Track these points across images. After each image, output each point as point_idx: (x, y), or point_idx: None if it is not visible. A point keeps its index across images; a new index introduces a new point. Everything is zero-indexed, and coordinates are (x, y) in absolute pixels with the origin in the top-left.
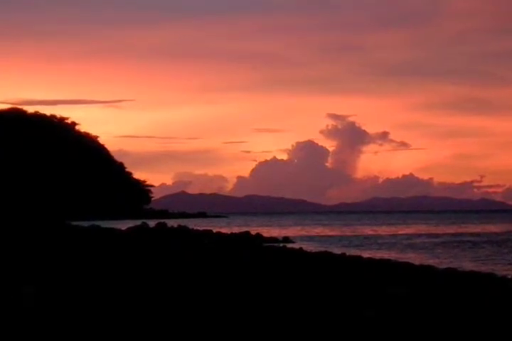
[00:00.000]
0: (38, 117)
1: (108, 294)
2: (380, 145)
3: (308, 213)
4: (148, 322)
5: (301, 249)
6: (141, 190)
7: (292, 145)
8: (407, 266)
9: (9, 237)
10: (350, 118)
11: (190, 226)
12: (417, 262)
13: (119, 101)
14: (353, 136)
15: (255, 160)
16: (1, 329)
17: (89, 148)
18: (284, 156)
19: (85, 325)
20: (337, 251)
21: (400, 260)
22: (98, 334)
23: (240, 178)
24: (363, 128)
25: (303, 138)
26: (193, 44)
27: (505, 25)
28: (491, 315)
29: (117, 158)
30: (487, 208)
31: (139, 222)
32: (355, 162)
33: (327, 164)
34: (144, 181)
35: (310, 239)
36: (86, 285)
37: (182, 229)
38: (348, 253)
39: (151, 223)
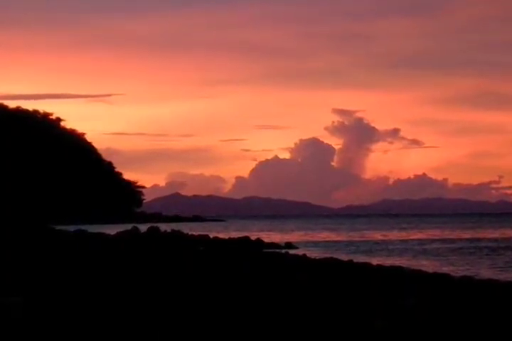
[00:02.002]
0: (20, 113)
1: (92, 306)
2: (391, 143)
3: (313, 216)
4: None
5: (304, 255)
6: (131, 192)
7: (295, 143)
8: (420, 273)
9: None
10: (358, 114)
11: (185, 231)
12: (430, 270)
13: (108, 95)
14: (361, 133)
15: (255, 160)
16: None
17: (75, 146)
18: (287, 155)
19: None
20: (344, 257)
21: (412, 267)
22: None
23: (238, 179)
24: (372, 124)
25: (307, 135)
26: (188, 34)
27: None
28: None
29: (106, 156)
30: (506, 211)
31: (129, 226)
32: (364, 161)
33: (333, 163)
34: (135, 182)
35: (314, 244)
36: (70, 296)
37: (176, 234)
38: (355, 260)
39: (143, 227)
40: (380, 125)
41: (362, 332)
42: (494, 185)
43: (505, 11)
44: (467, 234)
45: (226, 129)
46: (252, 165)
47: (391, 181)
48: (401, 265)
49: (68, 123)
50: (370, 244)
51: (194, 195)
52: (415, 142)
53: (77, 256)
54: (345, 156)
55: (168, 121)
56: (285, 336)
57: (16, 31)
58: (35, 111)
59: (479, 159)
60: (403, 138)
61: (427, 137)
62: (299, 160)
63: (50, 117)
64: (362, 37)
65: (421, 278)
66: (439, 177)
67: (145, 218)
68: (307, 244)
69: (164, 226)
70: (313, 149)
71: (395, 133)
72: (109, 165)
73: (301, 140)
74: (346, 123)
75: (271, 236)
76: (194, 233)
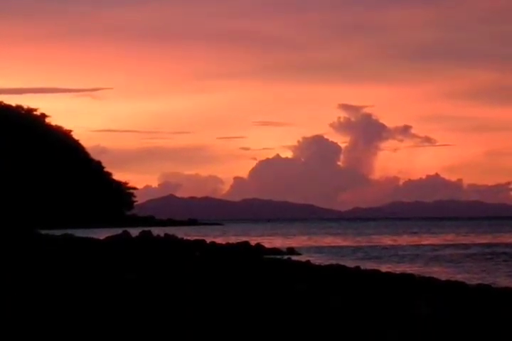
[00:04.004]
0: (2, 108)
1: (78, 319)
2: (401, 141)
3: (317, 220)
4: None
5: (308, 261)
6: (122, 194)
7: (298, 141)
8: (432, 281)
9: None
10: (366, 110)
11: (179, 236)
12: (443, 277)
13: (96, 89)
14: (368, 131)
15: (255, 159)
16: None
17: (61, 144)
18: (289, 154)
19: None
20: (350, 264)
21: (424, 275)
22: None
23: (237, 179)
24: (381, 121)
25: (310, 132)
26: (182, 24)
27: None
28: None
29: (94, 155)
30: None
31: (119, 231)
32: (372, 160)
33: (339, 163)
34: (126, 183)
35: (319, 250)
36: (54, 307)
37: (169, 238)
38: (363, 267)
39: (134, 232)
40: (390, 121)
41: None
42: None
43: None
44: (483, 239)
45: (224, 126)
46: (252, 164)
47: (401, 182)
48: (412, 272)
49: (54, 120)
50: (378, 250)
51: (189, 197)
52: (427, 140)
53: (63, 262)
54: (351, 155)
55: (160, 117)
56: None
57: None
58: (19, 107)
59: (496, 158)
60: (414, 135)
61: (440, 134)
62: (302, 159)
63: (35, 113)
64: (370, 27)
65: (433, 286)
66: (453, 178)
67: (136, 222)
68: (311, 249)
69: (157, 231)
70: (317, 147)
71: (405, 130)
72: (98, 165)
73: (304, 138)
74: (353, 119)
75: (272, 241)
76: (189, 238)
